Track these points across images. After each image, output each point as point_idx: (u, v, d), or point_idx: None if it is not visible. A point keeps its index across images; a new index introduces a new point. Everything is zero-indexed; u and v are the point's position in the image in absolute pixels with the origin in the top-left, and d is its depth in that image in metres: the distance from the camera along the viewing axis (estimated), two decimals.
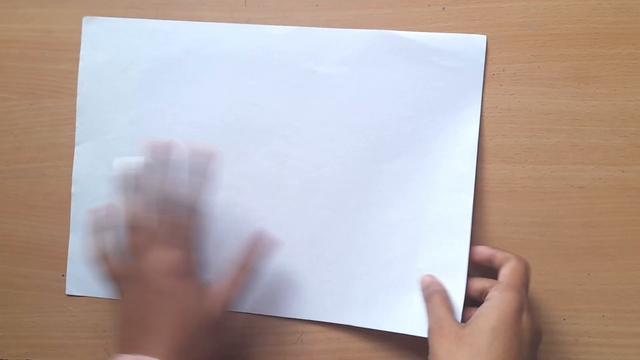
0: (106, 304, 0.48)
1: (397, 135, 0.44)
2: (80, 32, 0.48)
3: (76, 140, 0.48)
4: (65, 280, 0.48)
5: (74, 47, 0.48)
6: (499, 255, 0.41)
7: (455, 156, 0.43)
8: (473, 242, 0.44)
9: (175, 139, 0.45)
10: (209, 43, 0.47)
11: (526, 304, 0.38)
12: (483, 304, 0.39)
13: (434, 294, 0.41)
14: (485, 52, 0.44)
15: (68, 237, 0.48)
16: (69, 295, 0.48)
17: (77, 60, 0.48)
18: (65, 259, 0.48)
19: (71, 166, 0.48)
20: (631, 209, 0.44)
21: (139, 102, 0.47)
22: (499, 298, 0.38)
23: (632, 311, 0.44)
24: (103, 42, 0.48)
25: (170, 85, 0.47)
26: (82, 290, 0.48)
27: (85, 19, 0.48)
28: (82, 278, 0.48)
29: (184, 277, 0.39)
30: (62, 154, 0.48)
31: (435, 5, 0.45)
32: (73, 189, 0.48)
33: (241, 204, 0.46)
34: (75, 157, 0.48)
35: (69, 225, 0.48)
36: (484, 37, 0.44)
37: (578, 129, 0.44)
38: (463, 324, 0.39)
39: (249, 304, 0.46)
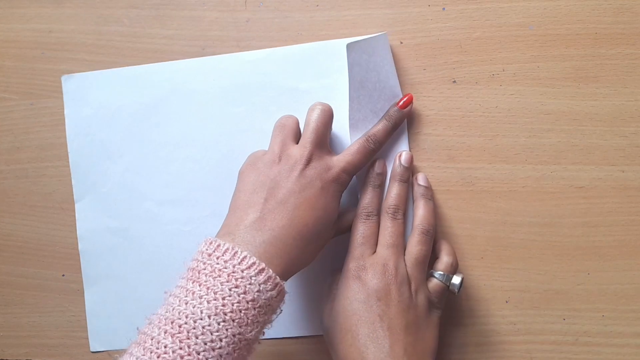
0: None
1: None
2: (80, 32, 0.48)
3: (75, 197, 0.48)
4: (65, 280, 0.48)
5: (74, 47, 0.48)
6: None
7: None
8: (473, 243, 0.44)
9: (172, 178, 0.47)
10: (189, 79, 0.47)
11: (371, 265, 0.39)
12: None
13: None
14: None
15: (68, 237, 0.48)
16: (93, 352, 0.48)
17: (77, 61, 0.48)
18: (66, 259, 0.48)
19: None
20: (631, 209, 0.44)
21: (130, 149, 0.48)
22: (344, 266, 0.40)
23: (632, 311, 0.44)
24: (85, 96, 0.48)
25: (158, 127, 0.47)
26: (106, 344, 0.48)
27: (64, 78, 0.48)
28: (104, 332, 0.48)
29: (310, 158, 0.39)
30: (62, 154, 0.48)
31: (435, 5, 0.45)
32: (80, 246, 0.48)
33: None
34: (76, 214, 0.48)
35: (68, 225, 0.48)
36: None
37: (578, 129, 0.44)
38: None
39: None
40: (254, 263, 0.34)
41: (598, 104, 0.44)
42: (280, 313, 0.36)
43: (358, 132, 0.44)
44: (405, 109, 0.44)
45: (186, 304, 0.33)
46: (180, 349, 0.31)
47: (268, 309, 0.34)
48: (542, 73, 0.44)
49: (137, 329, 0.34)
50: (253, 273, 0.34)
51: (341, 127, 0.44)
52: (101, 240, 0.48)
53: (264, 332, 0.36)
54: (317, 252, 0.39)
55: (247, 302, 0.33)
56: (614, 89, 0.44)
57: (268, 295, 0.34)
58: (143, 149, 0.48)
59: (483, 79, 0.44)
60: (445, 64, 0.45)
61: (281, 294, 0.35)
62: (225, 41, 0.47)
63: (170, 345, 0.32)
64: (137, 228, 0.47)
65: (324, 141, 0.41)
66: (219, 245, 0.35)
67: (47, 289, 0.49)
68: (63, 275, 0.49)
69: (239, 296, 0.33)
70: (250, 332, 0.33)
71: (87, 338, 0.48)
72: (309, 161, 0.39)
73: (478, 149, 0.44)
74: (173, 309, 0.33)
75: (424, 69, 0.45)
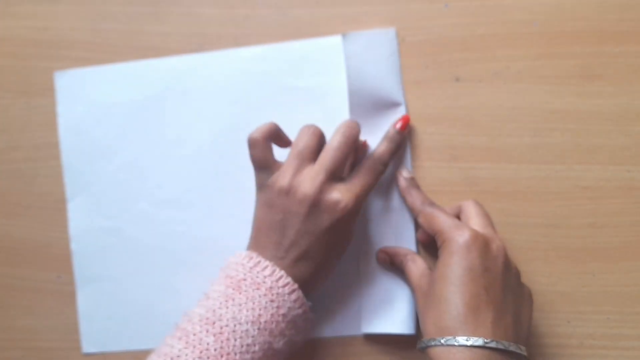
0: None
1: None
2: (76, 30, 0.48)
3: (67, 197, 0.48)
4: (60, 282, 0.48)
5: (70, 45, 0.48)
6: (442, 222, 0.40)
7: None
8: None
9: (167, 177, 0.46)
10: (184, 76, 0.46)
11: (477, 236, 0.37)
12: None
13: (403, 261, 0.42)
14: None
15: (64, 238, 0.48)
16: (86, 353, 0.47)
17: (73, 58, 0.48)
18: (61, 260, 0.48)
19: None
20: (637, 210, 0.43)
21: (123, 148, 0.47)
22: (444, 241, 0.38)
23: (637, 313, 0.43)
24: (78, 93, 0.47)
25: (153, 125, 0.47)
26: (100, 345, 0.47)
27: (56, 74, 0.48)
28: (97, 334, 0.47)
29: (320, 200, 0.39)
30: (57, 153, 0.48)
31: (437, 2, 0.44)
32: (72, 246, 0.48)
33: (242, 232, 0.45)
34: (69, 214, 0.48)
35: (64, 226, 0.48)
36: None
37: (583, 128, 0.43)
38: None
39: None
40: (288, 282, 0.38)
41: (603, 102, 0.43)
42: (306, 336, 0.40)
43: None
44: (404, 131, 0.43)
45: (227, 308, 0.37)
46: (221, 348, 0.35)
47: (293, 325, 0.38)
48: (546, 71, 0.43)
49: (176, 324, 0.38)
50: (287, 291, 0.38)
51: None
52: (94, 240, 0.47)
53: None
54: (334, 270, 0.42)
55: (279, 316, 0.37)
56: (619, 88, 0.43)
57: (295, 312, 0.38)
58: (137, 148, 0.47)
59: (486, 77, 0.44)
60: (448, 62, 0.44)
61: (305, 312, 0.39)
62: (223, 38, 0.46)
63: (212, 344, 0.36)
64: (131, 228, 0.47)
65: (340, 168, 0.40)
66: (259, 262, 0.38)
67: (42, 290, 0.48)
68: (59, 276, 0.48)
69: (272, 309, 0.37)
70: (278, 342, 0.37)
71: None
72: (315, 199, 0.38)
73: (482, 149, 0.44)
74: (214, 312, 0.37)
75: (426, 67, 0.44)
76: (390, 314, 0.43)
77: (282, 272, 0.38)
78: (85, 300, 0.47)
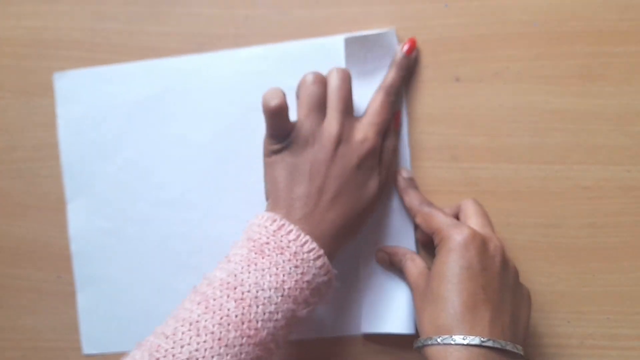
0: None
1: None
2: (75, 29, 0.48)
3: (67, 198, 0.48)
4: (60, 282, 0.48)
5: (69, 45, 0.48)
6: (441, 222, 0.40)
7: None
8: None
9: (167, 178, 0.46)
10: (184, 76, 0.46)
11: (475, 235, 0.37)
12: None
13: (402, 260, 0.42)
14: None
15: (63, 238, 0.48)
16: (86, 355, 0.47)
17: (72, 58, 0.48)
18: (61, 260, 0.48)
19: None
20: (637, 210, 0.43)
21: (123, 149, 0.47)
22: (442, 239, 0.38)
23: (637, 313, 0.43)
24: (77, 95, 0.47)
25: (153, 125, 0.47)
26: (100, 347, 0.47)
27: (56, 75, 0.48)
28: (98, 335, 0.47)
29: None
30: (57, 153, 0.48)
31: (437, 2, 0.44)
32: (72, 248, 0.48)
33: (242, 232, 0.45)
34: (68, 215, 0.48)
35: (64, 226, 0.48)
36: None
37: (583, 128, 0.43)
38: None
39: None
40: (314, 248, 0.37)
41: (603, 102, 0.43)
42: (326, 301, 0.39)
43: None
44: (412, 55, 0.43)
45: (249, 273, 0.35)
46: (242, 315, 0.34)
47: (317, 292, 0.37)
48: (546, 71, 0.43)
49: (194, 286, 0.37)
50: (312, 257, 0.36)
51: None
52: (94, 241, 0.47)
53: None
54: (362, 228, 0.41)
55: (304, 282, 0.36)
56: (619, 88, 0.43)
57: (320, 279, 0.37)
58: (137, 148, 0.47)
59: (486, 77, 0.44)
60: (448, 62, 0.44)
61: (330, 280, 0.38)
62: (223, 38, 0.46)
63: (233, 310, 0.34)
64: (131, 229, 0.47)
65: (350, 105, 0.40)
66: (283, 225, 0.37)
67: (42, 291, 0.48)
68: (59, 277, 0.48)
69: (297, 275, 0.36)
70: (302, 310, 0.36)
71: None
72: (340, 138, 0.39)
73: (482, 149, 0.44)
74: (235, 276, 0.35)
75: (426, 67, 0.44)
76: (390, 314, 0.43)
77: (307, 237, 0.37)
78: (85, 302, 0.47)
